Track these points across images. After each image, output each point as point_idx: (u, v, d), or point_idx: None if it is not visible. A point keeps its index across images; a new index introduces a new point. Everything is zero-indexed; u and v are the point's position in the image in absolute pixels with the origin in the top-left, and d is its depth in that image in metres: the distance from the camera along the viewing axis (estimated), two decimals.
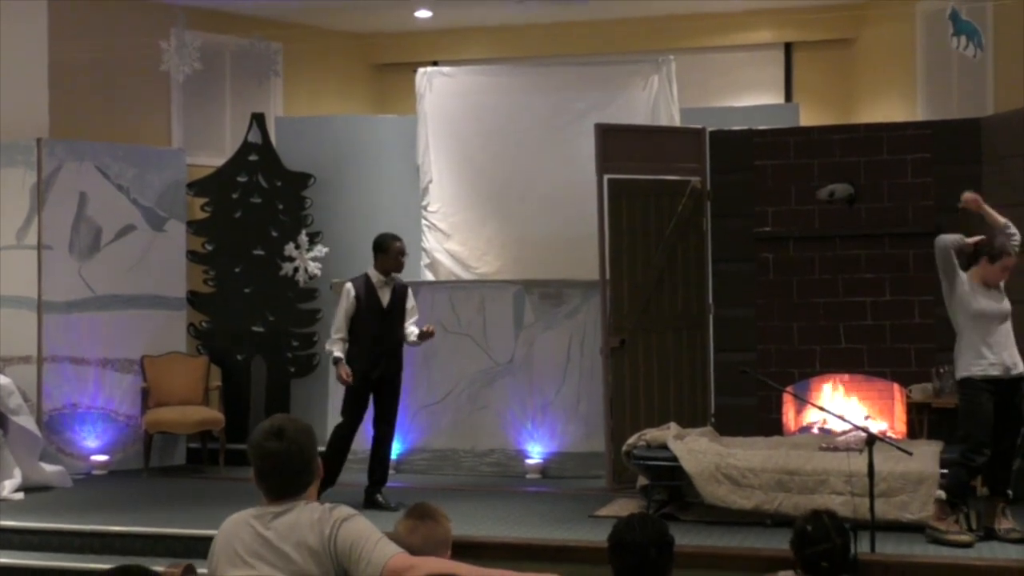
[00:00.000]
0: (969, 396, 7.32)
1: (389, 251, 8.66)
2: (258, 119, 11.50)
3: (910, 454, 6.96)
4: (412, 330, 8.72)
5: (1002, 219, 7.39)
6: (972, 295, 7.35)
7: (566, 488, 9.62)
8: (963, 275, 7.40)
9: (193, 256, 11.28)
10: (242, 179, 11.37)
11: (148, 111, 11.59)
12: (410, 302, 8.80)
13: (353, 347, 8.61)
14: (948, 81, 10.14)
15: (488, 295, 10.49)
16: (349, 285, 8.72)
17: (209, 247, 11.37)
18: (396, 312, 8.71)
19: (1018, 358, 7.31)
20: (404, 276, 9.03)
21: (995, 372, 7.24)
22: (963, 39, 8.92)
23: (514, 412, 10.30)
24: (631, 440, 8.53)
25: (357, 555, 3.30)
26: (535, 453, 10.20)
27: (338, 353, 8.58)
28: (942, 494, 7.28)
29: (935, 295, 8.21)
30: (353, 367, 8.56)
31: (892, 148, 9.59)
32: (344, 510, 3.41)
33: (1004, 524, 7.37)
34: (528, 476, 10.10)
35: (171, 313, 10.99)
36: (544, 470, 10.13)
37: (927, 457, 7.68)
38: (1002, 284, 7.39)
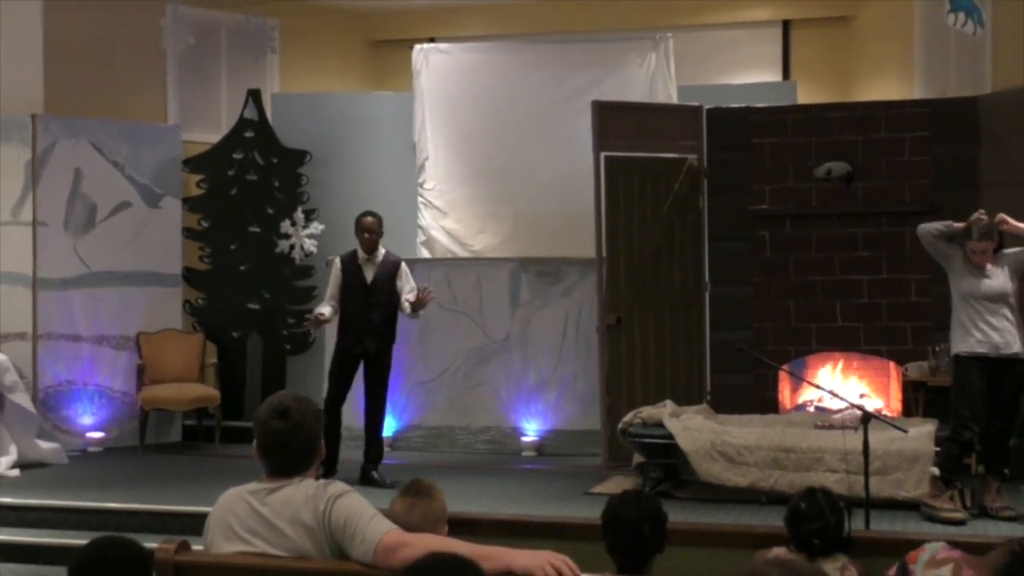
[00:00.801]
0: (958, 373, 7.43)
1: (357, 228, 8.74)
2: (254, 95, 11.46)
3: (905, 432, 6.96)
4: (405, 304, 8.72)
5: None
6: (962, 276, 7.42)
7: (562, 466, 9.63)
8: (959, 255, 7.44)
9: (189, 233, 11.26)
10: (238, 156, 11.33)
11: (143, 87, 11.55)
12: (404, 280, 8.78)
13: (340, 321, 8.68)
14: (946, 59, 10.11)
15: (484, 272, 10.48)
16: (337, 259, 8.88)
17: (205, 224, 11.34)
18: (382, 289, 8.71)
19: (1013, 339, 7.31)
20: (401, 253, 9.08)
21: (982, 350, 7.30)
22: (961, 16, 8.87)
23: (510, 390, 10.30)
24: (627, 418, 8.54)
25: (351, 532, 3.29)
26: (531, 431, 10.21)
27: (322, 310, 8.68)
28: (936, 471, 7.32)
29: (932, 273, 8.23)
30: (338, 340, 8.65)
31: (890, 126, 9.57)
32: (338, 486, 3.40)
33: (997, 503, 7.42)
34: (524, 454, 10.10)
35: (166, 290, 10.97)
36: (540, 448, 10.14)
37: (922, 435, 7.70)
38: (1005, 266, 7.39)
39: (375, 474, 8.67)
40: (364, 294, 8.69)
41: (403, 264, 8.89)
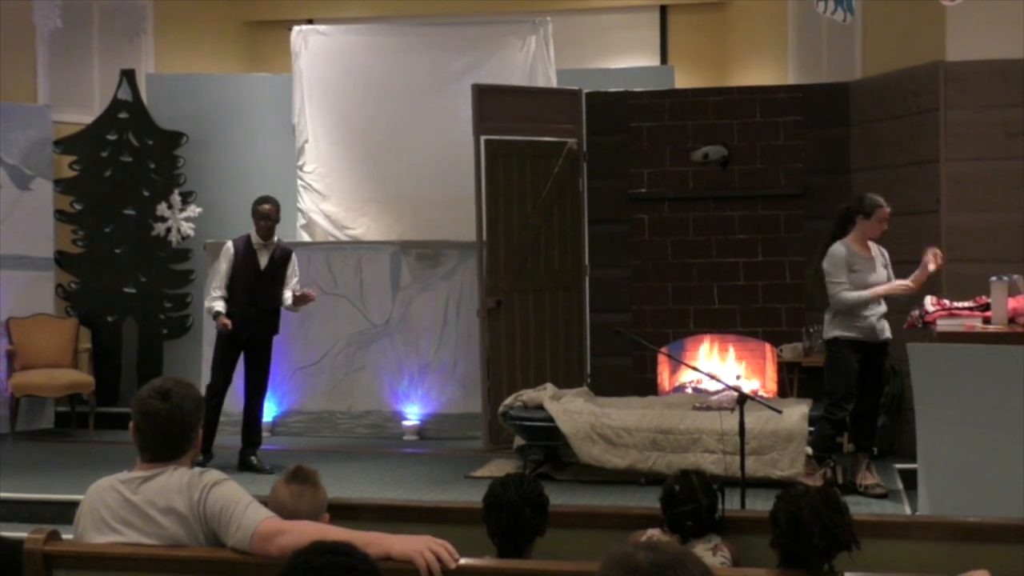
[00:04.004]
0: (836, 354, 7.55)
1: (254, 214, 8.64)
2: (128, 76, 11.24)
3: (780, 412, 7.09)
4: (287, 294, 8.64)
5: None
6: (857, 273, 7.42)
7: (443, 449, 9.63)
8: (846, 265, 7.46)
9: (61, 215, 11.02)
10: (112, 137, 11.12)
11: (12, 66, 11.22)
12: (292, 269, 8.73)
13: (228, 306, 8.54)
14: (818, 45, 10.29)
15: (365, 256, 10.43)
16: (229, 243, 8.72)
17: (78, 206, 11.11)
18: (273, 275, 8.64)
19: (885, 325, 7.51)
20: (280, 237, 8.98)
21: (860, 336, 7.46)
22: (830, 3, 9.00)
23: (391, 374, 10.27)
24: (508, 401, 8.57)
25: (227, 520, 3.26)
26: (412, 415, 10.19)
27: (219, 307, 8.51)
28: (810, 450, 7.49)
29: (805, 256, 8.39)
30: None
31: (764, 111, 9.72)
32: (214, 475, 3.36)
33: (868, 480, 7.62)
34: (405, 438, 10.09)
35: (38, 274, 10.73)
36: (421, 431, 10.13)
37: (796, 415, 7.85)
38: (879, 251, 7.54)
39: (254, 459, 8.60)
40: (255, 280, 8.59)
41: (294, 255, 8.83)
